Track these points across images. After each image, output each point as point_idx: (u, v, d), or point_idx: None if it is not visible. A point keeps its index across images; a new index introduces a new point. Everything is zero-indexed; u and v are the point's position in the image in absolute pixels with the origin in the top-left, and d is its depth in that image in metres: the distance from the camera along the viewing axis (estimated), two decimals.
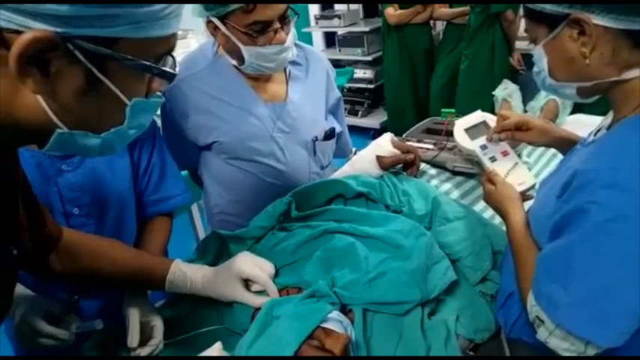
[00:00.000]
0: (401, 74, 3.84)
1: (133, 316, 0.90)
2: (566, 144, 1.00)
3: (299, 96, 1.31)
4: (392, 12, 3.65)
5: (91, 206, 1.05)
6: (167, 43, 0.56)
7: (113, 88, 0.53)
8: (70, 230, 0.91)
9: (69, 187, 1.02)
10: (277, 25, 1.11)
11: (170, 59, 0.58)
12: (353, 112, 4.40)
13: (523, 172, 1.08)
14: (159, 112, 1.34)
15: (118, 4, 0.48)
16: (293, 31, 1.18)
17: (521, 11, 0.87)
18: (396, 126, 3.92)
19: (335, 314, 0.75)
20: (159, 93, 0.61)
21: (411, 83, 3.87)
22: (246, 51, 1.14)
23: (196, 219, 2.26)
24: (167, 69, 0.57)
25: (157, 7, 0.51)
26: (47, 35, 0.46)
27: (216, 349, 0.74)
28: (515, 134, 1.07)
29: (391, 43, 3.79)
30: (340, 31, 4.33)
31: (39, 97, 0.49)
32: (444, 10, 3.54)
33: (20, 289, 0.89)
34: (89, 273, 0.89)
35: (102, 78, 0.51)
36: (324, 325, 0.72)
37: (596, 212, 0.65)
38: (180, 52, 1.66)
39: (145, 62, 0.53)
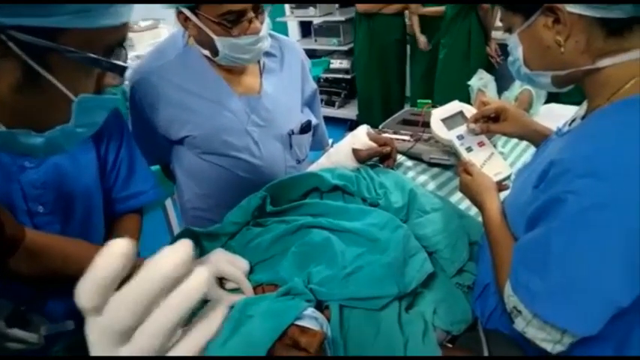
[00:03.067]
0: (369, 64, 3.81)
1: None
2: (539, 136, 1.01)
3: (274, 88, 1.28)
4: None
5: (55, 204, 1.01)
6: (117, 34, 0.53)
7: (56, 84, 0.49)
8: (34, 231, 0.87)
9: (32, 185, 0.97)
10: (251, 14, 1.08)
11: (122, 51, 0.55)
12: (330, 103, 4.38)
13: (499, 163, 1.08)
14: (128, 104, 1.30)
15: None
16: (267, 20, 1.15)
17: None
18: (365, 117, 3.92)
19: (310, 311, 0.73)
20: (112, 90, 0.57)
21: (380, 74, 3.83)
22: (219, 42, 1.10)
23: (171, 215, 2.21)
24: (117, 62, 0.53)
25: None
26: None
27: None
28: (491, 126, 1.08)
29: (361, 31, 3.75)
30: (316, 21, 4.29)
31: None
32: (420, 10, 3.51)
33: None
34: (54, 275, 0.86)
35: (42, 72, 0.47)
36: (299, 322, 0.70)
37: (574, 201, 0.65)
38: (151, 43, 1.61)
39: (93, 55, 0.49)
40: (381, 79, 3.85)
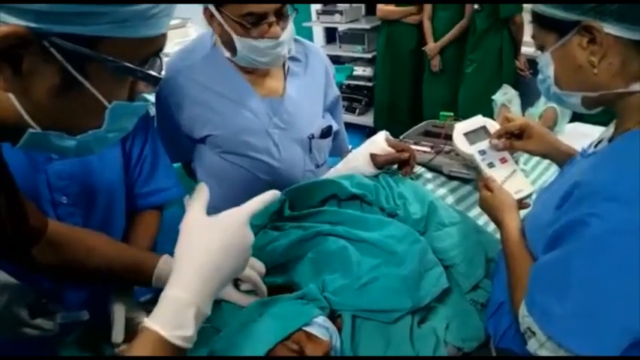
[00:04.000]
0: (384, 72, 3.78)
1: (119, 312, 0.88)
2: (563, 156, 0.99)
3: (297, 92, 1.29)
4: (382, 6, 3.56)
5: (79, 195, 1.03)
6: (155, 44, 0.53)
7: (92, 90, 0.50)
8: (56, 222, 0.88)
9: (58, 176, 1.00)
10: (272, 18, 1.09)
11: (158, 61, 0.56)
12: (351, 110, 4.37)
13: (521, 180, 1.07)
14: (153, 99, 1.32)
15: (101, 2, 0.45)
16: (291, 27, 1.16)
17: (528, 17, 0.85)
18: (379, 126, 3.89)
19: (321, 319, 0.73)
20: (145, 96, 0.59)
21: (392, 83, 3.79)
22: (238, 42, 1.12)
23: None
24: (152, 72, 0.54)
25: (144, 6, 0.48)
26: (19, 31, 0.43)
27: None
28: (514, 143, 1.06)
29: (381, 38, 3.73)
30: (341, 27, 4.29)
31: (11, 95, 0.47)
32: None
33: (3, 276, 0.87)
34: (74, 266, 0.87)
35: (80, 79, 0.48)
36: (308, 329, 0.70)
37: (597, 225, 0.63)
38: (179, 42, 1.64)
39: (129, 65, 0.50)
40: (394, 89, 3.83)
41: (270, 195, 0.76)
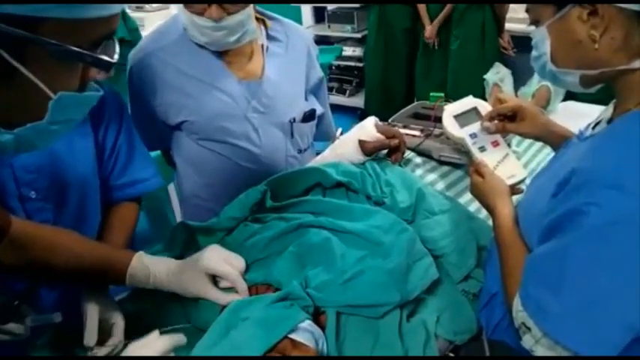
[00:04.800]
0: (376, 53, 3.70)
1: (91, 313, 0.84)
2: (558, 138, 0.95)
3: (276, 74, 1.24)
4: None
5: (49, 190, 0.97)
6: (106, 26, 0.48)
7: (32, 79, 0.44)
8: (21, 221, 0.84)
9: (24, 169, 0.94)
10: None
11: (112, 44, 0.50)
12: (341, 91, 4.32)
13: (514, 164, 1.03)
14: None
15: None
16: (246, 14, 1.11)
17: None
18: (370, 108, 3.84)
19: (307, 324, 0.70)
20: (95, 85, 0.53)
21: (387, 64, 3.71)
22: (183, 15, 1.11)
23: (174, 200, 2.18)
24: (103, 57, 0.49)
25: None
26: None
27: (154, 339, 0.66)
28: (507, 125, 1.02)
29: (372, 18, 3.65)
30: (330, 7, 4.20)
31: None
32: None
33: None
34: (42, 266, 0.83)
35: (17, 65, 0.43)
36: (293, 335, 0.67)
37: (596, 215, 0.60)
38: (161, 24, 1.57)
39: (75, 48, 0.45)
40: (387, 70, 3.75)
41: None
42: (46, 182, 0.96)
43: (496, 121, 1.05)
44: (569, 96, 1.89)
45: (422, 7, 3.33)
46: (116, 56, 0.52)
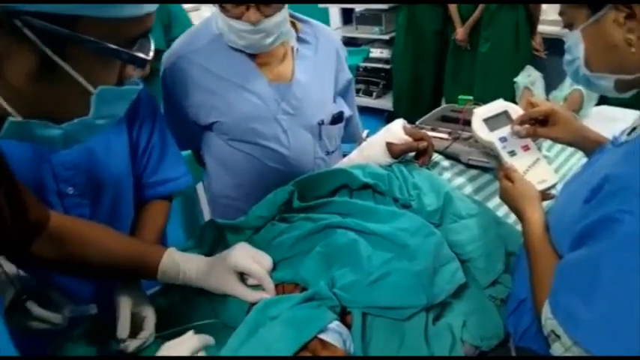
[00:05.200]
0: (405, 54, 3.66)
1: (124, 306, 0.86)
2: (591, 144, 0.93)
3: (306, 76, 1.25)
4: None
5: (86, 186, 1.01)
6: (141, 25, 0.50)
7: (73, 74, 0.46)
8: (59, 215, 0.87)
9: (63, 166, 0.98)
10: (250, 2, 1.07)
11: (147, 43, 0.52)
12: (367, 93, 4.30)
13: (544, 169, 1.01)
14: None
15: None
16: (283, 17, 1.12)
17: None
18: (398, 110, 3.81)
19: (335, 324, 0.70)
20: (135, 79, 0.55)
21: (416, 66, 3.67)
22: (221, 18, 1.12)
23: (202, 200, 2.21)
24: (138, 54, 0.50)
25: None
26: None
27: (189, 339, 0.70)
28: (538, 130, 1.00)
29: (400, 19, 3.62)
30: (358, 8, 4.20)
31: None
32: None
33: (11, 268, 0.86)
34: (76, 260, 0.85)
35: (59, 62, 0.45)
36: (322, 335, 0.68)
37: (630, 222, 0.59)
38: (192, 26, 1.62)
39: (112, 46, 0.47)
40: (416, 72, 3.71)
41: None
42: (83, 179, 1.00)
43: (527, 126, 1.03)
44: (602, 100, 1.84)
45: (453, 8, 3.27)
46: (151, 53, 0.54)
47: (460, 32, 3.24)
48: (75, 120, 0.50)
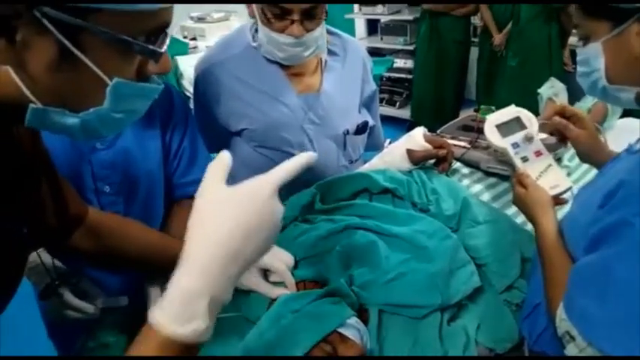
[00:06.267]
0: (426, 64, 3.68)
1: (155, 294, 0.90)
2: (606, 157, 0.93)
3: (333, 87, 1.28)
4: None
5: (121, 185, 1.06)
6: (157, 19, 0.51)
7: (90, 65, 0.49)
8: (96, 210, 0.91)
9: (101, 165, 1.03)
10: (296, 17, 1.09)
11: (164, 37, 0.53)
12: (391, 103, 4.33)
13: (557, 175, 1.00)
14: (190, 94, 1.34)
15: None
16: (321, 30, 1.15)
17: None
18: (418, 119, 3.81)
19: (354, 320, 0.73)
20: (157, 79, 0.56)
21: (437, 75, 3.69)
22: (261, 30, 1.14)
23: None
24: (151, 46, 0.51)
25: None
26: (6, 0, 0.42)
27: None
28: (569, 126, 0.99)
29: (423, 30, 3.64)
30: (383, 19, 4.25)
31: (9, 68, 0.47)
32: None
33: (46, 258, 0.90)
34: (112, 253, 0.90)
35: (76, 52, 0.47)
36: (341, 330, 0.71)
37: None
38: (222, 34, 1.68)
39: (125, 37, 0.49)
40: (437, 81, 3.72)
41: (306, 157, 0.60)
42: (118, 178, 1.05)
43: (557, 117, 1.01)
44: (626, 112, 1.82)
45: (488, 15, 3.28)
46: (165, 47, 0.54)
47: (498, 37, 3.22)
48: (90, 110, 0.52)
